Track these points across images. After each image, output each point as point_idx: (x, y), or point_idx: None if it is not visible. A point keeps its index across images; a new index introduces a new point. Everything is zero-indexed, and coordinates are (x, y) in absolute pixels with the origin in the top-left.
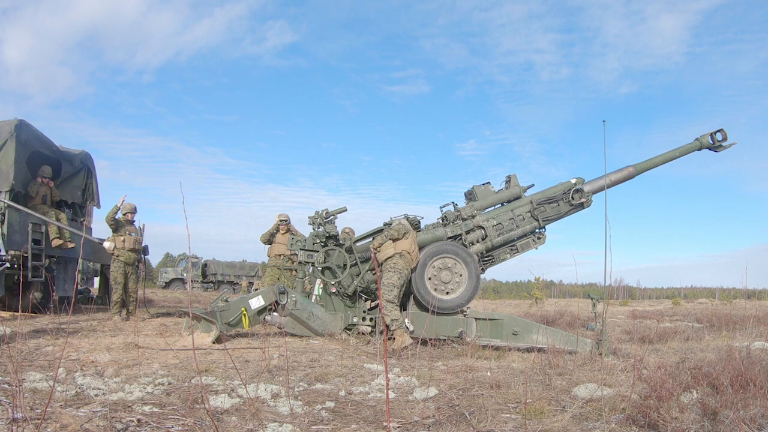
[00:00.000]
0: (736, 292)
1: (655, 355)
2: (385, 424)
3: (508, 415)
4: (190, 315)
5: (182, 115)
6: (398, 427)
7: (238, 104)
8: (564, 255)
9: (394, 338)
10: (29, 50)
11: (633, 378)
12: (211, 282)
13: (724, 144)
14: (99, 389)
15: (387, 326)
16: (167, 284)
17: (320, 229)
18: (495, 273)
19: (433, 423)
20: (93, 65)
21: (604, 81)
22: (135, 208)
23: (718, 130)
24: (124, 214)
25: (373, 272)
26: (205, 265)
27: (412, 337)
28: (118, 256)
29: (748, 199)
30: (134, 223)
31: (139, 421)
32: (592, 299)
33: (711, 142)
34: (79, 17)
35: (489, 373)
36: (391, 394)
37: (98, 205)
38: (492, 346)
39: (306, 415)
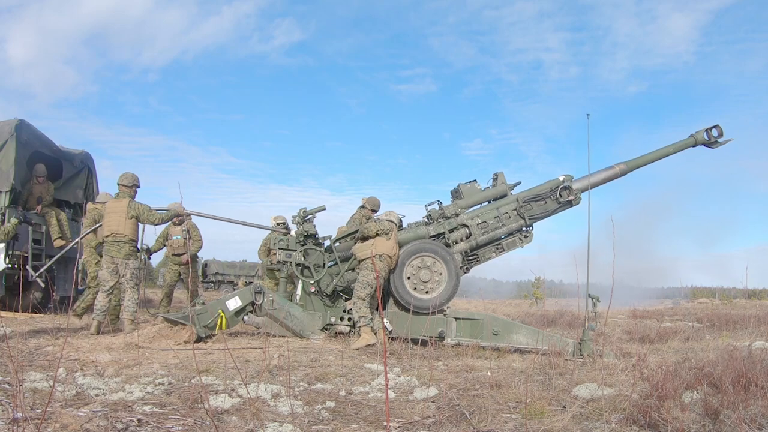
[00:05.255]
0: (737, 292)
1: (656, 355)
2: (385, 423)
3: (509, 415)
4: (162, 320)
5: (186, 114)
6: (398, 426)
7: (244, 103)
8: (565, 255)
9: (359, 335)
10: (33, 48)
11: (634, 378)
12: (212, 282)
13: (719, 140)
14: (99, 389)
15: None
16: None
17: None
18: (495, 273)
19: (434, 423)
20: (98, 64)
21: (612, 80)
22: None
23: (714, 126)
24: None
25: (354, 271)
26: (205, 265)
27: (392, 337)
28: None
29: (749, 198)
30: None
31: (139, 421)
32: (591, 298)
33: (706, 138)
34: (85, 15)
35: (489, 373)
36: (391, 394)
37: None
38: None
39: (306, 415)
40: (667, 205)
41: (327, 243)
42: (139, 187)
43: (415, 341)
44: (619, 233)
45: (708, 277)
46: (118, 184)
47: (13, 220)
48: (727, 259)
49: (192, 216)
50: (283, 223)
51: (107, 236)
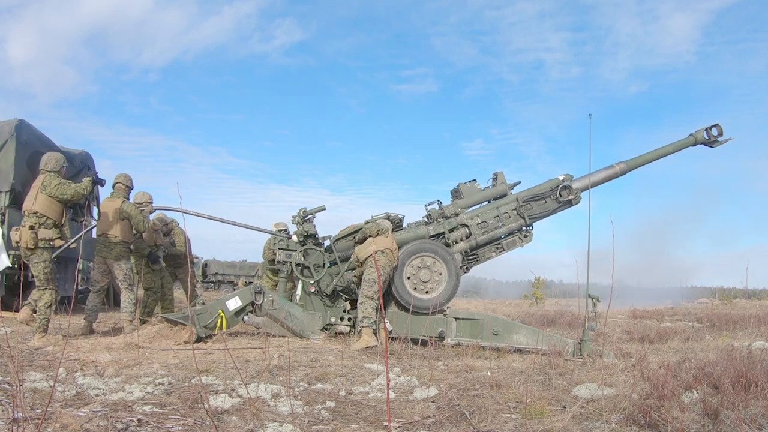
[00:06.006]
0: (737, 292)
1: (656, 355)
2: (385, 423)
3: (509, 415)
4: (162, 319)
5: (187, 114)
6: (398, 426)
7: (244, 103)
8: (566, 255)
9: (360, 336)
10: (33, 48)
11: (634, 378)
12: (212, 282)
13: (719, 139)
14: (99, 389)
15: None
16: None
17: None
18: (495, 273)
19: (434, 423)
20: (98, 64)
21: (613, 80)
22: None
23: (714, 125)
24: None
25: (354, 271)
26: (205, 265)
27: (392, 337)
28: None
29: (750, 198)
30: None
31: (139, 421)
32: (591, 298)
33: (706, 137)
34: (85, 15)
35: (489, 373)
36: (392, 394)
37: (98, 205)
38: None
39: (306, 415)
40: (687, 207)
41: (327, 243)
42: (132, 188)
43: (415, 341)
44: (640, 235)
45: (728, 278)
46: (118, 183)
47: (87, 179)
48: (739, 258)
49: (171, 221)
50: (284, 230)
51: (99, 236)
